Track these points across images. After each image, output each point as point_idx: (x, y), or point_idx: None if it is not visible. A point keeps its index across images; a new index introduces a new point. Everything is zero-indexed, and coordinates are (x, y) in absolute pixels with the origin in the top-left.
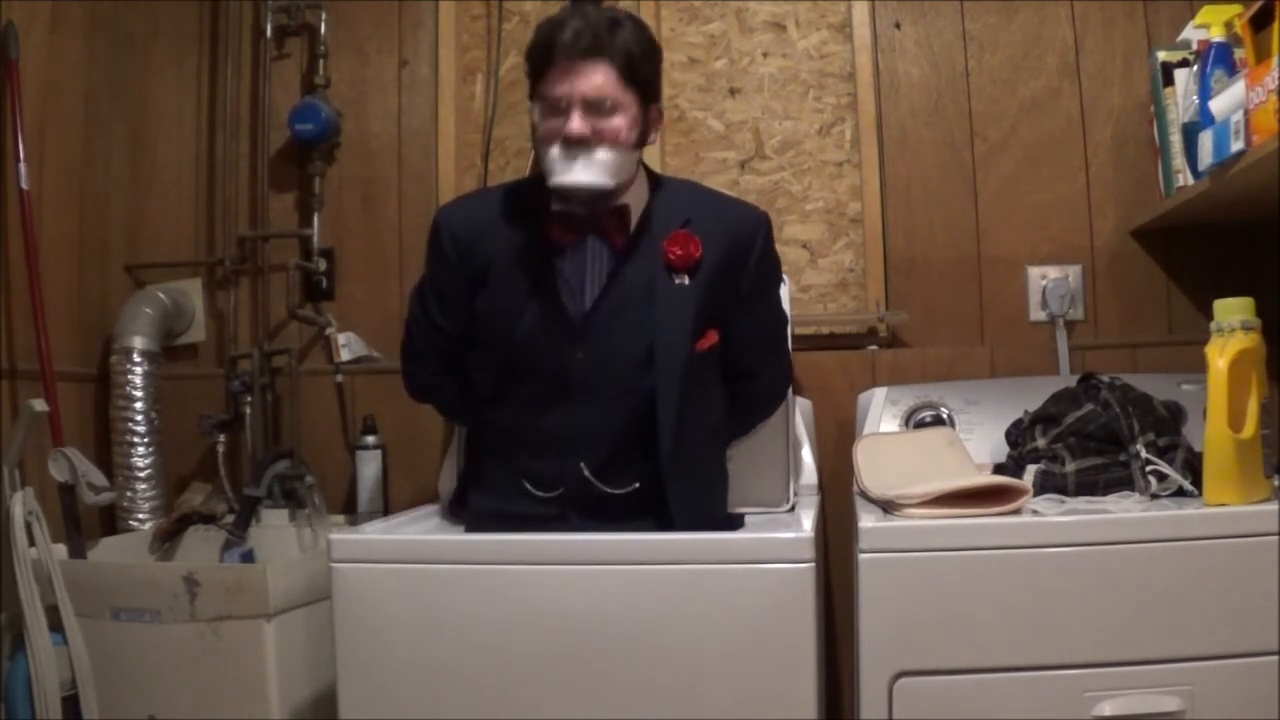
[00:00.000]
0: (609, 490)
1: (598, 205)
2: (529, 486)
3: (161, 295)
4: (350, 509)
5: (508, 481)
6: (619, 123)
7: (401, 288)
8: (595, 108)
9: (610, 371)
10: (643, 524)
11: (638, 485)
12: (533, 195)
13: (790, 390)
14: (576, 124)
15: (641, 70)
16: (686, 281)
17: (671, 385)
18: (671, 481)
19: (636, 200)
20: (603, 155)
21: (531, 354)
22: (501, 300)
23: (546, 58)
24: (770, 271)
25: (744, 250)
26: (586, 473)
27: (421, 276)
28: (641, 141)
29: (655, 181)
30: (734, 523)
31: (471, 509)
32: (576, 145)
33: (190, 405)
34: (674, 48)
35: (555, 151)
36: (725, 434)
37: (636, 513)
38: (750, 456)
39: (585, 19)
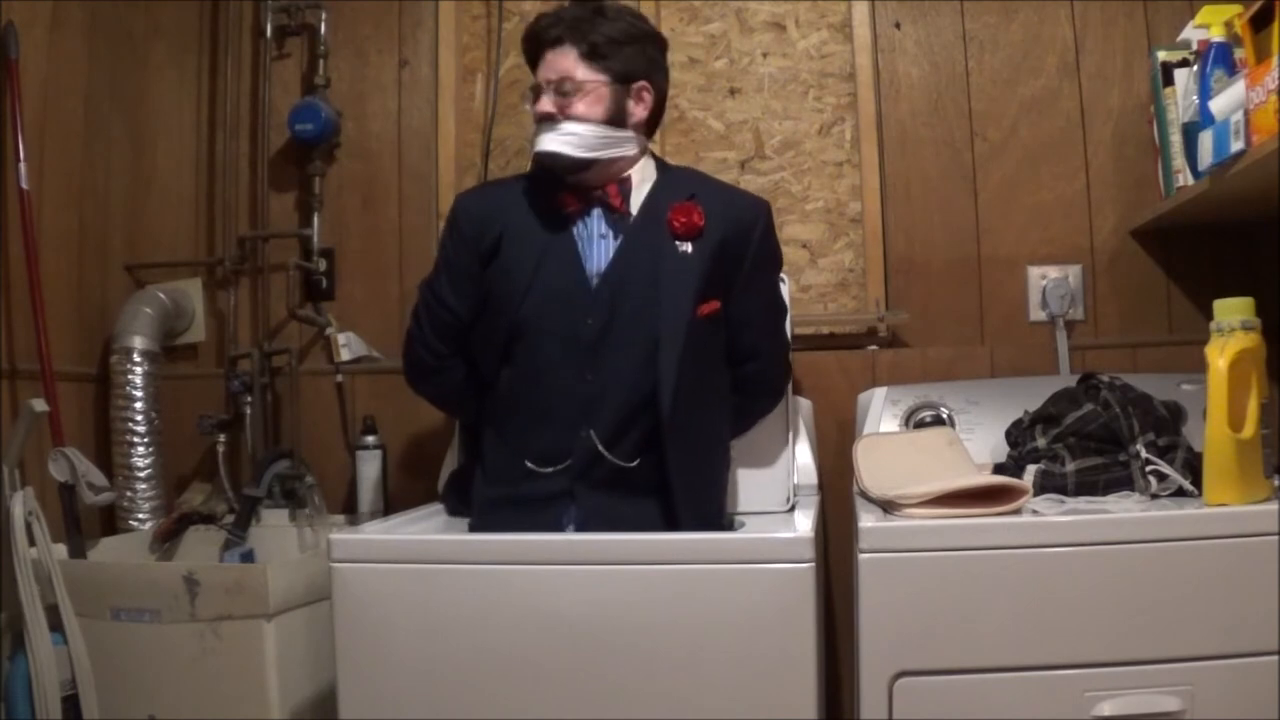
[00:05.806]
0: (616, 462)
1: (580, 174)
2: (533, 465)
3: (161, 295)
4: (350, 509)
5: (510, 465)
6: (580, 101)
7: (402, 288)
8: (560, 89)
9: (619, 339)
10: (647, 502)
11: (643, 461)
12: (546, 178)
13: (790, 390)
14: (543, 104)
15: (607, 50)
16: (689, 249)
17: (673, 345)
18: (671, 446)
19: (644, 178)
20: (567, 127)
21: (542, 320)
22: (514, 267)
23: (528, 52)
24: (770, 256)
25: (745, 234)
26: (595, 441)
27: (433, 265)
28: (620, 114)
29: (663, 166)
30: (732, 524)
31: (475, 500)
32: (546, 121)
33: (190, 405)
34: (674, 48)
35: (536, 128)
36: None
37: (642, 490)
38: (750, 456)
39: (560, 16)
